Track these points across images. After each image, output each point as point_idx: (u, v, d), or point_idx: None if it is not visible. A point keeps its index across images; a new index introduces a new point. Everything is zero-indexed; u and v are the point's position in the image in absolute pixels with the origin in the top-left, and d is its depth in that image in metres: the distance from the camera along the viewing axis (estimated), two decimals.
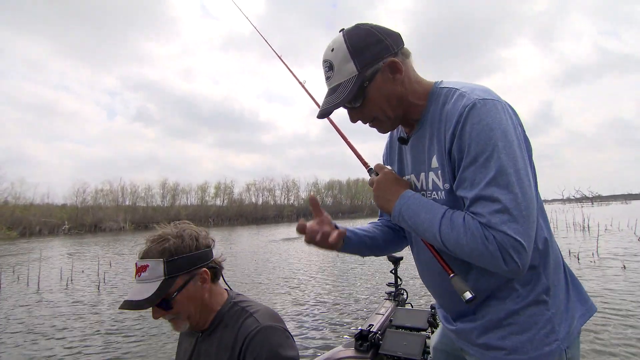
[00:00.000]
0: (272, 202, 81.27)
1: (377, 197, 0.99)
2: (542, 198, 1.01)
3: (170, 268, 0.96)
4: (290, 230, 36.84)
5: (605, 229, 18.45)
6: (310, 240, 1.00)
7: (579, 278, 1.01)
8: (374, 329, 3.07)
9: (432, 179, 0.95)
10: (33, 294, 9.09)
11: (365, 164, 1.07)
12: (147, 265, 0.96)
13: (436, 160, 0.92)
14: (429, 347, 2.79)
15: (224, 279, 1.13)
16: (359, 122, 0.98)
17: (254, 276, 10.60)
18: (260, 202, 79.79)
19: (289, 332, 1.04)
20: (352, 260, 13.38)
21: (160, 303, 0.95)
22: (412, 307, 3.79)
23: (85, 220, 49.61)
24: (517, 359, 0.88)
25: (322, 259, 14.08)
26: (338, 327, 5.81)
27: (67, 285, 10.20)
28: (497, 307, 0.90)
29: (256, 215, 72.16)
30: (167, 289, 0.95)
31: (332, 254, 15.92)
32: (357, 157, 1.11)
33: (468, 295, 0.81)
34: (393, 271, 4.30)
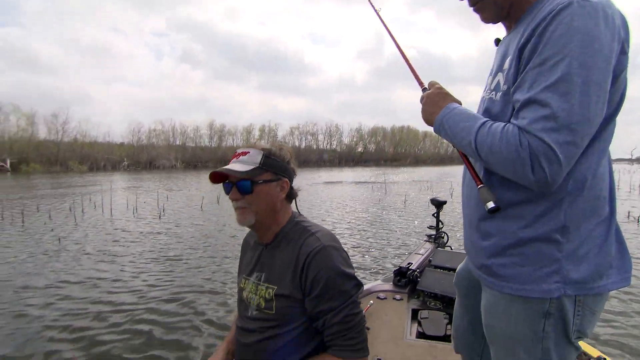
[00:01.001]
0: (314, 147, 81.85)
1: (423, 111, 0.99)
2: None
3: (265, 161, 1.05)
4: (332, 174, 37.32)
5: None
6: None
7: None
8: (412, 267, 3.18)
9: (498, 80, 0.92)
10: (107, 220, 10.37)
11: (420, 82, 1.08)
12: (249, 152, 1.06)
13: (509, 60, 0.88)
14: None
15: (295, 202, 1.20)
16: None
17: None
18: (303, 145, 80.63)
19: (347, 254, 1.10)
20: (391, 205, 13.58)
21: (245, 183, 1.03)
22: (452, 249, 3.91)
23: (141, 158, 53.40)
24: (511, 288, 0.88)
25: (363, 204, 14.38)
26: (377, 263, 6.15)
27: (133, 213, 11.49)
28: (507, 233, 0.88)
29: (298, 159, 72.79)
30: (256, 174, 1.04)
31: (372, 198, 16.23)
32: (414, 75, 1.12)
33: (491, 204, 0.82)
34: (435, 214, 4.40)
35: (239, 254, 1.33)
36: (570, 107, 0.72)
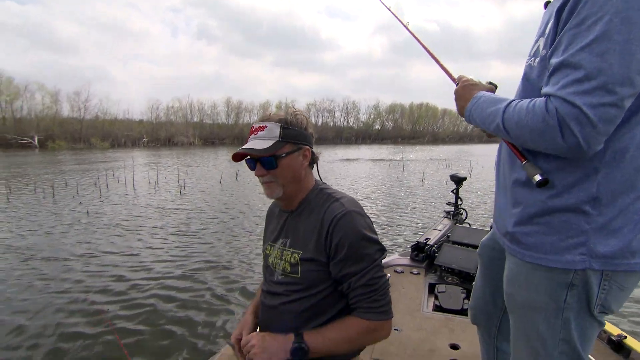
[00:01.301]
0: (331, 124, 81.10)
1: (457, 107, 1.03)
2: None
3: (285, 133, 1.05)
4: (349, 152, 37.17)
5: None
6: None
7: None
8: (430, 243, 3.21)
9: (538, 45, 0.89)
10: (130, 194, 10.72)
11: (453, 78, 1.09)
12: (266, 126, 1.05)
13: (549, 25, 0.84)
14: None
15: (317, 169, 1.21)
16: None
17: None
18: (319, 122, 79.95)
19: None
20: (409, 183, 13.51)
21: (269, 159, 1.04)
22: (470, 226, 3.89)
23: (159, 135, 54.12)
24: (533, 257, 0.87)
25: (381, 181, 14.34)
26: (394, 239, 6.22)
27: (155, 188, 11.82)
28: (535, 202, 0.86)
29: (315, 136, 73.19)
30: (278, 149, 1.04)
31: (389, 175, 16.17)
32: (444, 70, 1.13)
33: (538, 177, 0.81)
34: (454, 191, 4.38)
35: (263, 224, 1.35)
36: (608, 66, 0.68)
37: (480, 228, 3.49)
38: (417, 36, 1.38)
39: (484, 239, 1.26)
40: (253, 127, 1.09)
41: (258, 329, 1.19)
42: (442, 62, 1.20)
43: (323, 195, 1.11)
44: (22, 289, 4.09)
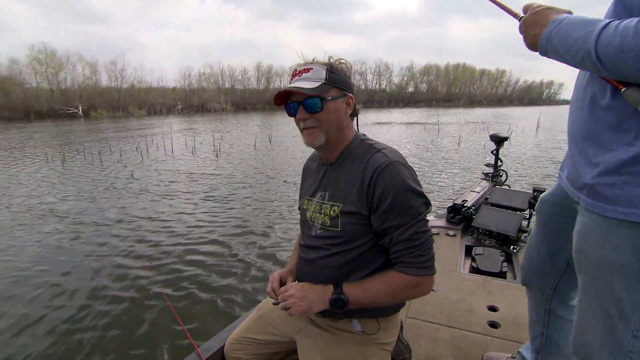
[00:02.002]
0: (363, 87, 78.92)
1: (525, 38, 0.88)
2: None
3: (331, 77, 1.00)
4: (381, 115, 36.32)
5: None
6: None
7: None
8: (467, 204, 3.17)
9: None
10: (169, 158, 11.19)
11: (513, 13, 0.95)
12: (312, 68, 1.00)
13: None
14: (524, 227, 2.84)
15: (357, 120, 1.15)
16: None
17: None
18: None
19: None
20: (444, 146, 13.13)
21: (314, 101, 0.98)
22: (510, 188, 3.76)
23: (193, 102, 55.14)
24: (617, 211, 0.77)
25: (415, 144, 14.03)
26: (430, 199, 6.18)
27: (192, 152, 12.26)
28: (623, 149, 0.76)
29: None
30: (324, 91, 0.99)
31: (424, 138, 15.76)
32: (502, 8, 0.99)
33: None
34: (494, 152, 4.23)
35: (299, 182, 1.31)
36: None
37: (521, 190, 3.36)
38: None
39: (544, 194, 1.16)
40: (296, 70, 1.03)
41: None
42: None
43: (364, 146, 1.05)
44: (72, 248, 4.47)
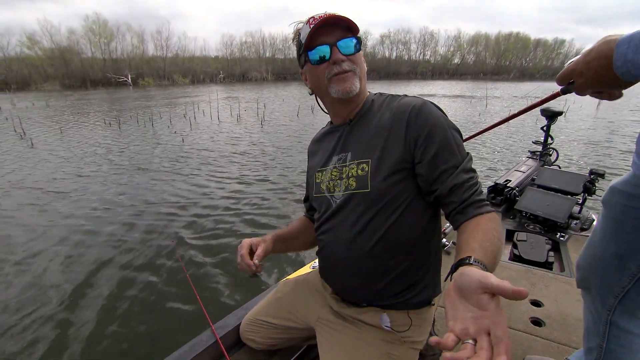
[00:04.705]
0: (406, 57, 75.74)
1: (590, 81, 0.76)
2: None
3: (355, 28, 0.91)
4: (424, 88, 34.96)
5: None
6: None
7: None
8: (511, 185, 2.87)
9: None
10: (216, 125, 11.65)
11: (556, 93, 0.87)
12: (335, 15, 0.90)
13: None
14: (576, 214, 2.52)
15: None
16: None
17: None
18: (393, 56, 75.21)
19: None
20: (491, 120, 12.59)
21: (352, 40, 0.89)
22: (560, 168, 3.33)
23: (234, 71, 55.91)
24: None
25: (459, 117, 13.55)
26: None
27: (237, 119, 12.70)
28: None
29: (388, 70, 69.14)
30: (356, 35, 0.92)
31: (471, 113, 15.14)
32: (545, 101, 0.89)
33: None
34: (544, 128, 3.68)
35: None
36: None
37: (576, 172, 2.91)
38: None
39: (616, 182, 0.95)
40: (320, 16, 0.88)
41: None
42: None
43: (384, 97, 0.97)
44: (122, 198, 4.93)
